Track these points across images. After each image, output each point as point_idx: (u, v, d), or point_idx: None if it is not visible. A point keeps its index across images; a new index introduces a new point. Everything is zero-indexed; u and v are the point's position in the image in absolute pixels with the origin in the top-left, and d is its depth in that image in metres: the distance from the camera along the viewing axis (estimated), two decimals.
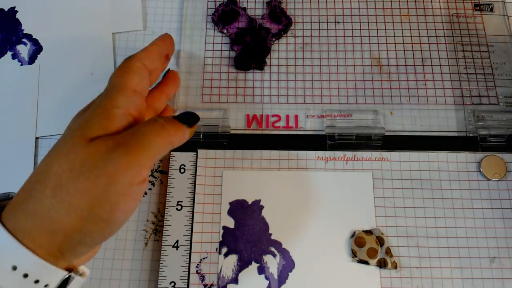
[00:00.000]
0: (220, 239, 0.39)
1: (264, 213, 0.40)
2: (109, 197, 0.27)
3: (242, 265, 0.38)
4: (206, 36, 0.47)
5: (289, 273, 0.38)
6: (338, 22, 0.47)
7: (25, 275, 0.26)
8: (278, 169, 0.41)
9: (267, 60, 0.46)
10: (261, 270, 0.38)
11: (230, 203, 0.40)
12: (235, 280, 0.38)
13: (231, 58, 0.46)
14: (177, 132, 0.31)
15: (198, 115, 0.34)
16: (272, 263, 0.38)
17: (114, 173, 0.27)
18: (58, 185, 0.27)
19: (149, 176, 0.42)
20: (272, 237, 0.39)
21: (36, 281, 0.26)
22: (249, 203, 0.40)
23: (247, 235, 0.39)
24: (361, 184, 0.40)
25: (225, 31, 0.47)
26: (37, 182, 0.28)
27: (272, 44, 0.46)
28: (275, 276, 0.38)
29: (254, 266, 0.38)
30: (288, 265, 0.38)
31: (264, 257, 0.38)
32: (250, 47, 0.46)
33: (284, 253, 0.38)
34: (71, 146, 0.28)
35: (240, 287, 0.38)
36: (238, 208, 0.40)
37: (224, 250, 0.39)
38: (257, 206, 0.40)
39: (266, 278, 0.38)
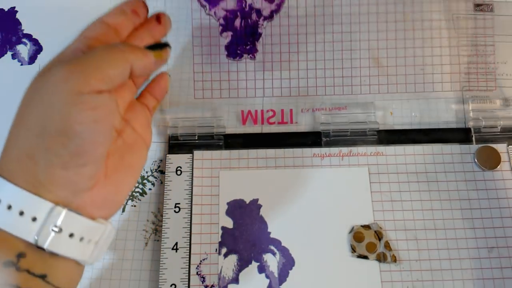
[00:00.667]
0: (219, 239, 0.39)
1: (262, 212, 0.40)
2: (57, 108, 0.27)
3: (242, 264, 0.38)
4: (192, 19, 0.45)
5: (289, 271, 0.38)
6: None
7: (9, 207, 0.26)
8: (275, 167, 0.41)
9: (260, 48, 0.44)
10: (261, 269, 0.38)
11: (228, 203, 0.40)
12: (235, 280, 0.38)
13: (221, 46, 0.45)
14: (133, 50, 0.31)
15: (169, 44, 0.34)
16: (272, 261, 0.38)
17: (55, 84, 0.28)
18: (19, 118, 0.29)
19: (149, 176, 0.42)
20: (271, 235, 0.39)
21: (21, 213, 0.26)
22: (247, 202, 0.40)
23: (246, 235, 0.39)
24: (358, 180, 0.40)
25: (212, 13, 0.45)
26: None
27: (264, 28, 0.45)
28: (276, 275, 0.38)
29: (254, 265, 0.38)
30: (288, 263, 0.38)
31: (264, 256, 0.39)
32: (241, 34, 0.45)
33: (284, 251, 0.39)
34: (29, 85, 0.30)
35: (241, 287, 0.38)
36: (236, 208, 0.40)
37: (224, 250, 0.39)
38: (255, 205, 0.40)
39: (267, 276, 0.38)
